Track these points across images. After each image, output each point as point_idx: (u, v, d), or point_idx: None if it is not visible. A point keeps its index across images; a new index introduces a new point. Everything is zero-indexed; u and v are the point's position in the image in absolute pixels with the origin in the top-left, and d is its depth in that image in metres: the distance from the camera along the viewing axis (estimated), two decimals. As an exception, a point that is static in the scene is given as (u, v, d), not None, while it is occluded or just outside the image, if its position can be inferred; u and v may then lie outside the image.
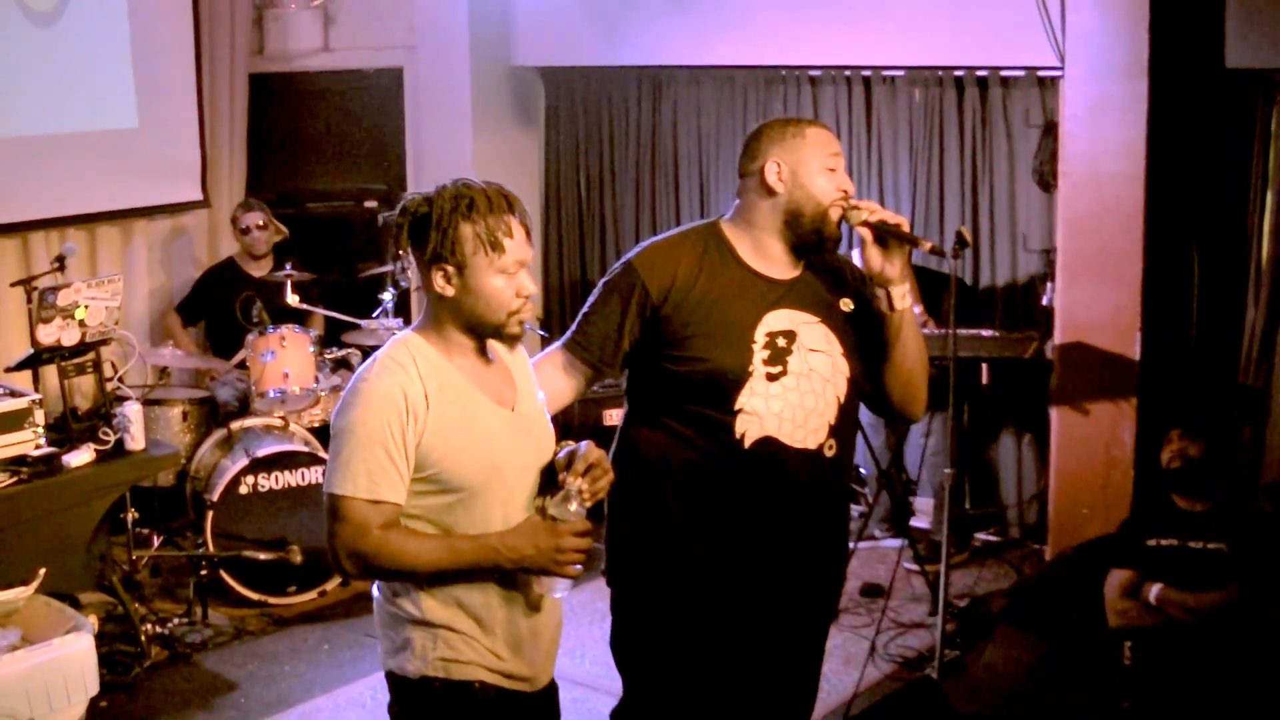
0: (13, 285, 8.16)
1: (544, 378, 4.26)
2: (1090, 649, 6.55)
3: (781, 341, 4.32)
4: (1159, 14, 7.26)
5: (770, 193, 4.38)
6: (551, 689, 4.17)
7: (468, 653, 3.87)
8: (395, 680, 3.97)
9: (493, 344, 3.99)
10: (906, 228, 4.29)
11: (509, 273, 3.82)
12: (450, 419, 3.79)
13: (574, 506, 3.79)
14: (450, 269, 3.81)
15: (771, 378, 4.28)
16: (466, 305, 3.84)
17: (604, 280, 4.47)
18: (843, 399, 4.38)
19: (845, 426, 4.42)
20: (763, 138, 4.46)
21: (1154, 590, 6.12)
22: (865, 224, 4.30)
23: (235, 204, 9.97)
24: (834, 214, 4.33)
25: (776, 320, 4.34)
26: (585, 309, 4.47)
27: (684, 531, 4.36)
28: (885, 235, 4.29)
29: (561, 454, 3.98)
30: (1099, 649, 6.41)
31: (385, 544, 3.73)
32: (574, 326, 4.47)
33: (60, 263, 7.90)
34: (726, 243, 4.43)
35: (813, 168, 4.34)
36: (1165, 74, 7.37)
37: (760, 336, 4.31)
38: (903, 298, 4.34)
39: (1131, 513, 6.66)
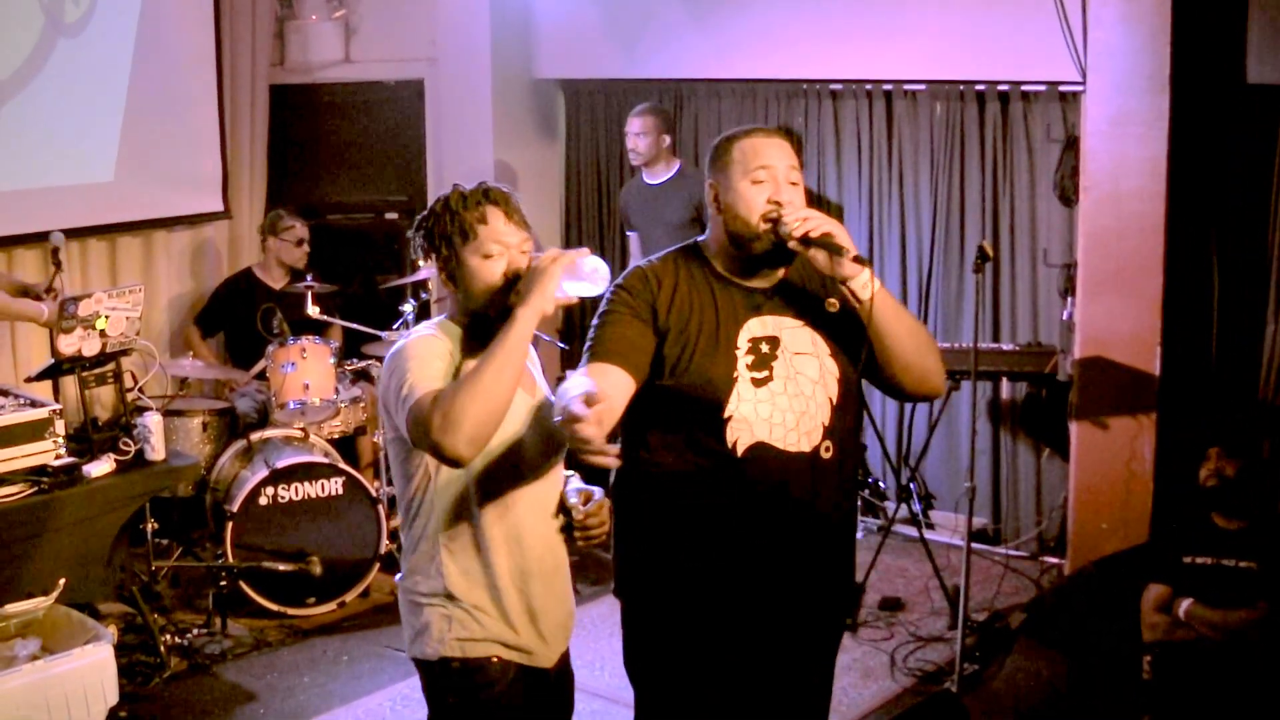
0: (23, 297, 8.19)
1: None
2: (1110, 663, 6.55)
3: (765, 347, 4.28)
4: (1181, 30, 7.25)
5: (713, 213, 4.39)
6: (565, 668, 4.45)
7: (480, 631, 4.18)
8: (419, 665, 4.28)
9: None
10: (837, 236, 4.16)
11: (490, 254, 4.12)
12: None
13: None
14: (445, 264, 4.18)
15: (757, 383, 4.25)
16: (468, 294, 4.17)
17: (603, 310, 4.34)
18: (835, 399, 4.34)
19: (842, 427, 4.38)
20: (709, 159, 4.46)
21: (1183, 606, 6.12)
22: (792, 237, 4.20)
23: (257, 215, 10.04)
24: (764, 228, 4.25)
25: (759, 326, 4.31)
26: (596, 333, 4.31)
27: (686, 542, 4.33)
28: (812, 246, 4.18)
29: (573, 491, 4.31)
30: (1119, 663, 6.41)
31: (441, 400, 3.89)
32: (592, 347, 4.30)
33: (55, 256, 7.89)
34: (703, 257, 4.41)
35: (736, 184, 4.29)
36: (1187, 89, 7.37)
37: (743, 343, 4.28)
38: (865, 287, 4.22)
39: (1165, 527, 6.63)
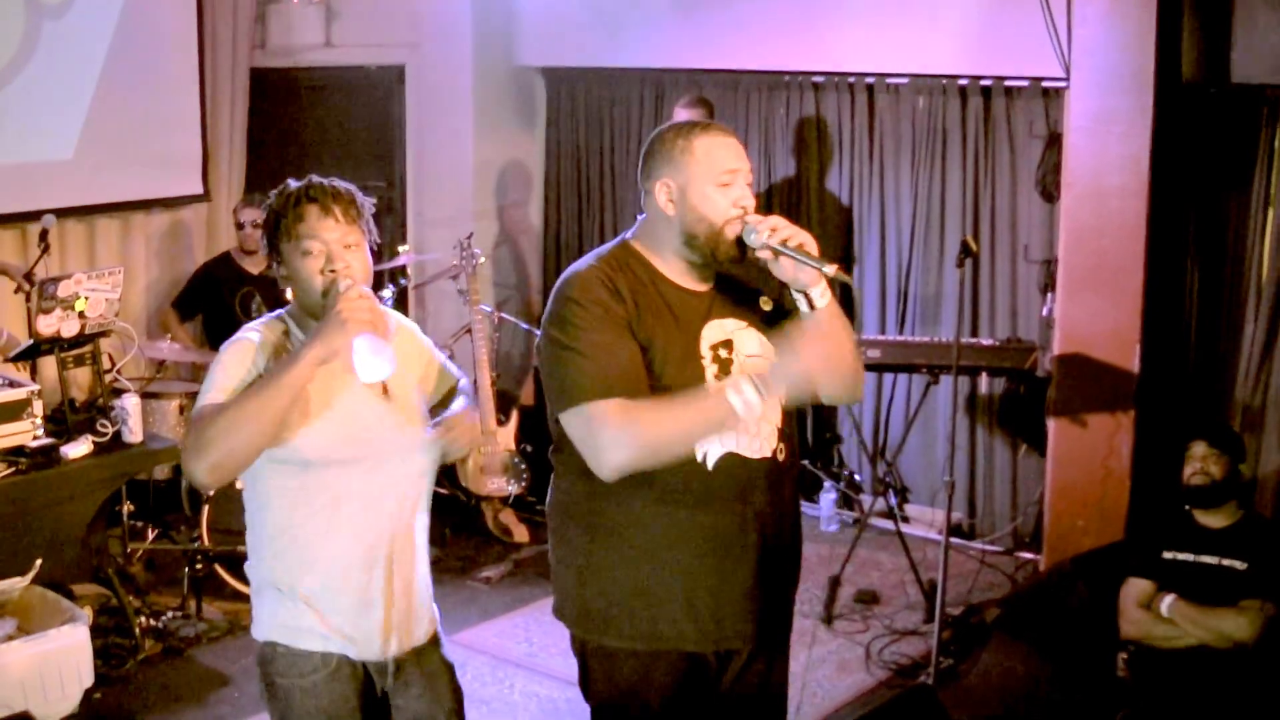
0: (16, 291, 8.22)
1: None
2: (1086, 660, 6.57)
3: (723, 353, 4.17)
4: (1165, 28, 7.27)
5: (664, 213, 4.19)
6: (428, 660, 4.44)
7: (300, 620, 4.22)
8: (257, 647, 4.33)
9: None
10: (811, 247, 4.03)
11: (309, 252, 4.13)
12: (312, 392, 4.07)
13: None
14: (278, 263, 4.24)
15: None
16: (296, 292, 4.22)
17: (580, 325, 4.09)
18: (784, 401, 4.24)
19: (789, 428, 4.31)
20: (654, 152, 4.24)
21: (1166, 601, 6.14)
22: (766, 246, 4.05)
23: (235, 198, 9.98)
24: (730, 232, 4.10)
25: (713, 332, 4.19)
26: (590, 355, 4.05)
27: (655, 559, 4.20)
28: (782, 256, 4.03)
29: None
30: (1094, 660, 6.43)
31: (198, 422, 3.97)
32: (597, 376, 4.05)
33: (43, 238, 7.91)
34: (645, 261, 4.23)
35: (702, 187, 4.12)
36: (1170, 88, 7.38)
37: (705, 350, 4.16)
38: (823, 294, 4.09)
39: (1146, 522, 6.65)
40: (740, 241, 4.10)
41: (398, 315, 4.50)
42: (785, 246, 4.01)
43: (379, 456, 4.23)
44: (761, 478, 4.22)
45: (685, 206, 4.14)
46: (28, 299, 8.00)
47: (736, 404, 3.91)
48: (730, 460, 4.15)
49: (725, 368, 4.15)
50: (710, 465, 4.13)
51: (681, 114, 8.83)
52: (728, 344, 4.19)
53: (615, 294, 4.11)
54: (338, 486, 4.17)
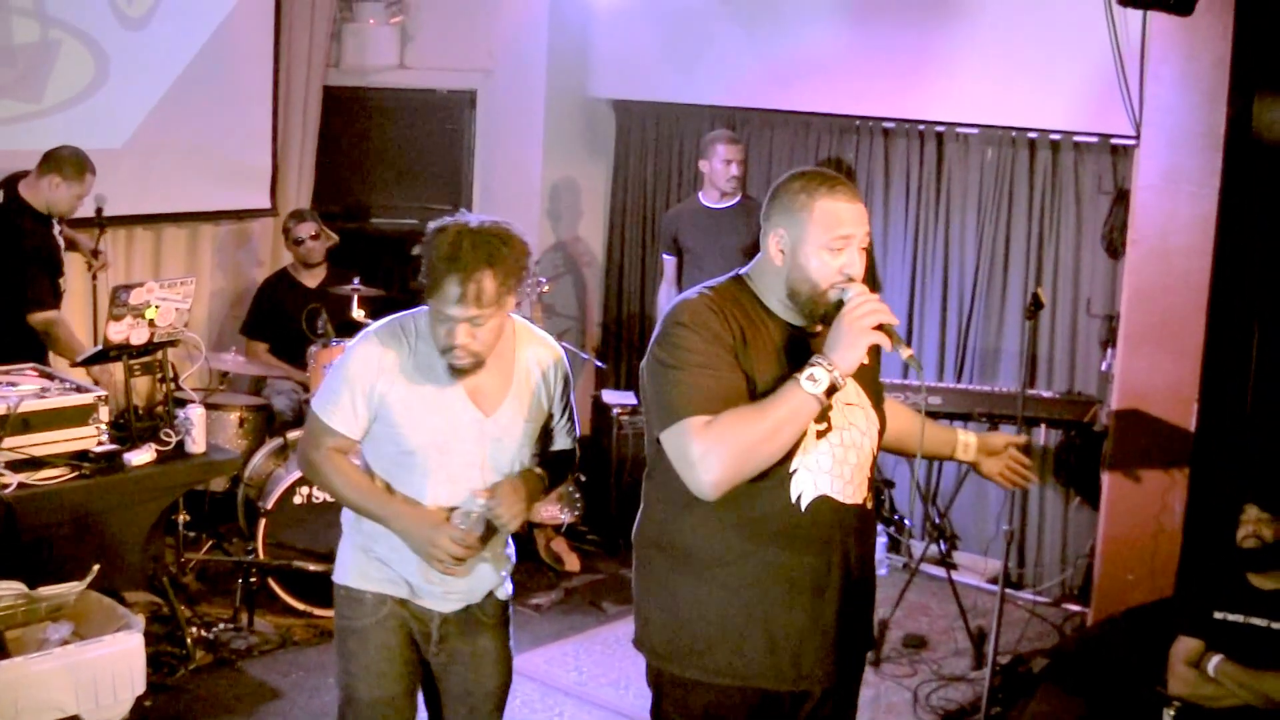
0: (89, 270, 8.38)
1: None
2: (1132, 715, 6.55)
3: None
4: (1238, 91, 7.27)
5: (774, 262, 4.20)
6: (481, 633, 4.95)
7: (371, 570, 4.85)
8: (334, 588, 4.98)
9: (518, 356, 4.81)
10: (893, 324, 4.05)
11: (440, 319, 4.53)
12: (420, 393, 4.64)
13: (471, 524, 4.67)
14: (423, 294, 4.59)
15: (819, 434, 4.16)
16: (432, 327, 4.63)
17: (685, 347, 4.11)
18: (875, 451, 4.32)
19: (874, 479, 4.37)
20: (778, 197, 4.23)
21: (1213, 662, 6.12)
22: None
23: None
24: (832, 296, 4.10)
25: None
26: (691, 378, 4.07)
27: (743, 598, 4.21)
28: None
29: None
30: (1140, 715, 6.41)
31: (325, 462, 4.79)
32: (693, 396, 4.06)
33: (99, 215, 8.47)
34: (757, 297, 4.25)
35: (812, 247, 4.11)
36: (1240, 150, 7.38)
37: None
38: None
39: (1197, 581, 6.62)
40: (840, 305, 4.08)
41: (551, 340, 4.91)
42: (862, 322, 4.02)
43: (465, 473, 4.72)
44: (852, 523, 4.26)
45: (793, 262, 4.14)
46: (94, 277, 8.17)
47: (806, 385, 3.96)
48: (823, 503, 4.18)
49: (823, 412, 4.13)
50: (803, 507, 4.16)
51: (721, 149, 8.99)
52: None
53: (724, 321, 4.14)
54: (425, 465, 4.70)
